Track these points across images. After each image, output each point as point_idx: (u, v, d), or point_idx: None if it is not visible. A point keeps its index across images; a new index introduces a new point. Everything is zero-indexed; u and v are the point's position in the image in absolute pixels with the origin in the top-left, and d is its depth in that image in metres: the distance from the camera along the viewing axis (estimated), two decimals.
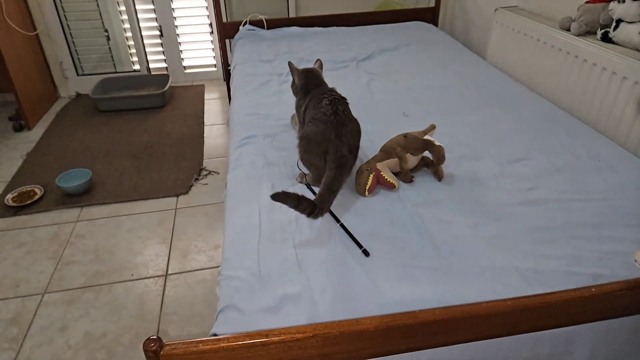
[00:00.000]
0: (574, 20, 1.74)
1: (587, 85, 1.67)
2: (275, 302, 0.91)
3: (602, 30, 1.62)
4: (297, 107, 1.48)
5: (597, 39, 1.65)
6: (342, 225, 1.13)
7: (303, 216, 1.14)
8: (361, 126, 1.32)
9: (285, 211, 1.19)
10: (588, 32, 1.72)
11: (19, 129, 2.80)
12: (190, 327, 1.50)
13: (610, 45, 1.60)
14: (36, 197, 2.12)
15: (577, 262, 1.02)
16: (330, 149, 1.21)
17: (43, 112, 3.04)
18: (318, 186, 1.24)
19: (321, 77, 1.48)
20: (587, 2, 1.71)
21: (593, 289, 0.89)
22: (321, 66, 1.54)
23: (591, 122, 1.65)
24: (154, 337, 0.72)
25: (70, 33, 3.20)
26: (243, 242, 1.09)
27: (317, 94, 1.37)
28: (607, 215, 1.17)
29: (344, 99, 1.33)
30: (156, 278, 1.69)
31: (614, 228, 1.12)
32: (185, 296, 1.61)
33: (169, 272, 1.72)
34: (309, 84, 1.44)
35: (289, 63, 1.50)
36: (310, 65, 1.56)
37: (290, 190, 1.26)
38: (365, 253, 1.04)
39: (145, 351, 0.71)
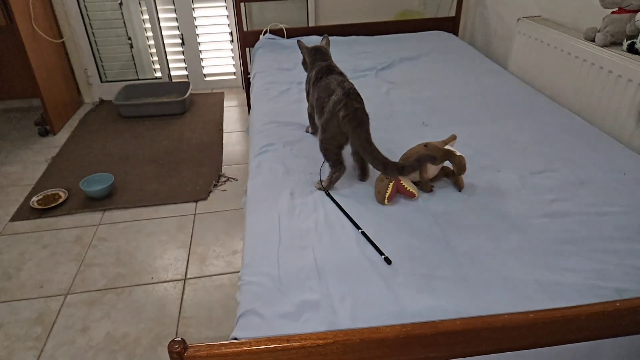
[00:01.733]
0: (599, 31, 1.72)
1: (612, 97, 1.64)
2: (295, 308, 0.92)
3: (629, 41, 1.60)
4: (307, 82, 1.58)
5: (623, 50, 1.62)
6: (363, 233, 1.14)
7: (322, 223, 1.16)
8: (380, 135, 1.33)
9: (305, 218, 1.21)
10: (613, 43, 1.69)
11: (44, 133, 2.88)
12: (208, 331, 1.51)
13: (637, 56, 1.57)
14: (60, 200, 2.17)
15: (601, 276, 1.00)
16: (341, 107, 1.28)
17: (67, 118, 3.12)
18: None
19: (328, 54, 1.57)
20: (612, 13, 1.68)
21: (617, 304, 0.87)
22: (328, 43, 1.63)
23: (615, 134, 1.63)
24: (178, 339, 0.73)
25: (95, 41, 3.28)
26: (263, 248, 1.10)
27: (322, 71, 1.46)
28: (631, 228, 1.15)
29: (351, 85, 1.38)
30: (175, 282, 1.72)
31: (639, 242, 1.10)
32: (204, 300, 1.63)
33: (188, 277, 1.74)
34: (316, 61, 1.54)
35: (298, 41, 1.62)
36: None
37: (310, 198, 1.29)
38: (387, 261, 1.04)
39: (170, 352, 0.72)
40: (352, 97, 1.30)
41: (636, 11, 1.59)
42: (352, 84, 1.37)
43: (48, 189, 2.26)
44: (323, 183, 1.34)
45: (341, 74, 1.46)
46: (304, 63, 1.62)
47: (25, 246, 1.92)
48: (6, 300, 1.66)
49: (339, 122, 1.28)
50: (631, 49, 1.60)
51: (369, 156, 1.26)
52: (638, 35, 1.57)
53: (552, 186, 1.33)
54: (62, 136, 2.87)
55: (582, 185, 1.33)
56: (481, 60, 2.39)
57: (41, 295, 1.68)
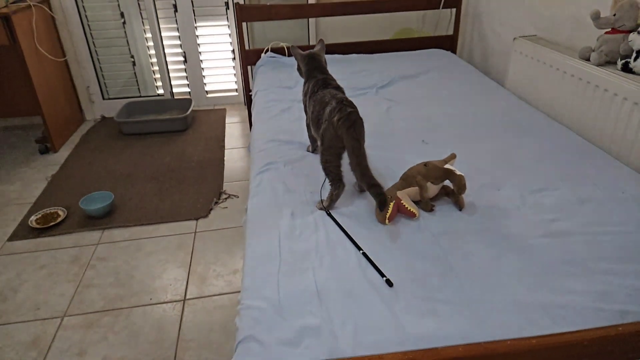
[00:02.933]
0: (593, 50, 1.74)
1: (609, 114, 1.65)
2: (295, 334, 0.91)
3: (623, 61, 1.62)
4: (303, 94, 1.60)
5: (618, 69, 1.64)
6: (364, 254, 1.13)
7: (323, 243, 1.17)
8: (380, 153, 1.33)
9: (305, 239, 1.20)
10: (608, 62, 1.71)
11: (44, 151, 2.88)
12: (208, 354, 1.49)
13: (631, 75, 1.59)
14: (59, 219, 2.16)
15: (604, 297, 0.99)
16: (335, 111, 1.31)
17: (69, 135, 3.13)
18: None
19: (322, 63, 1.60)
20: (606, 33, 1.71)
21: (620, 328, 0.87)
22: (323, 48, 1.65)
23: (613, 152, 1.63)
24: None
25: (98, 59, 3.32)
26: (263, 271, 1.10)
27: (318, 85, 1.49)
28: (632, 248, 1.14)
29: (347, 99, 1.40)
30: (174, 303, 1.70)
31: None
32: (203, 322, 1.61)
33: (187, 297, 1.73)
34: (312, 70, 1.56)
35: (292, 47, 1.64)
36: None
37: (310, 218, 1.28)
38: (389, 283, 1.04)
39: None
40: (346, 104, 1.33)
41: (629, 31, 1.61)
42: (345, 96, 1.40)
43: (47, 208, 2.25)
44: (324, 203, 1.33)
45: (337, 87, 1.49)
46: (298, 69, 1.64)
47: (23, 266, 1.91)
48: (1, 324, 1.64)
49: (335, 127, 1.30)
50: (625, 68, 1.62)
51: (355, 159, 1.26)
52: (631, 55, 1.59)
53: (552, 205, 1.32)
54: (63, 154, 2.87)
55: (582, 204, 1.32)
56: (479, 78, 2.41)
57: (37, 317, 1.66)
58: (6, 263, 1.93)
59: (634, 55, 1.57)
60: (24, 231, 2.12)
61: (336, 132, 1.30)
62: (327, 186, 1.37)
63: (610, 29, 1.69)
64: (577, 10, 1.96)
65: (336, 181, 1.35)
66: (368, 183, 1.25)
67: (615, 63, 1.68)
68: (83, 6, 3.13)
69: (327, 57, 2.73)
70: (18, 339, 1.57)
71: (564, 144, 1.67)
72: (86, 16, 3.16)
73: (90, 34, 3.22)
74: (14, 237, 2.09)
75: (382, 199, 1.22)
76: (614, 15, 1.64)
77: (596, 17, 1.68)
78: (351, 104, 1.34)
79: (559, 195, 1.37)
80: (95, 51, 3.28)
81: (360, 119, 1.31)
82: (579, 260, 1.11)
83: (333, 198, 1.34)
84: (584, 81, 1.76)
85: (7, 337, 1.58)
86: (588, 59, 1.76)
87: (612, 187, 1.40)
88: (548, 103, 2.00)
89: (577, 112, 1.82)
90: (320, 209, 1.33)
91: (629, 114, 1.56)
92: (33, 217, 2.18)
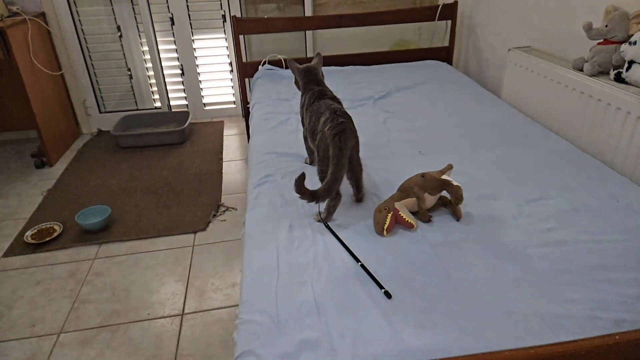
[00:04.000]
0: (586, 61, 1.76)
1: (602, 124, 1.67)
2: (294, 348, 0.90)
3: (615, 71, 1.64)
4: (301, 107, 1.62)
5: (611, 79, 1.66)
6: (363, 266, 1.13)
7: (321, 256, 1.16)
8: (377, 165, 1.34)
9: (304, 251, 1.20)
10: (601, 73, 1.73)
11: (40, 165, 2.88)
12: None
13: (624, 85, 1.61)
14: (55, 234, 2.15)
15: (600, 306, 0.99)
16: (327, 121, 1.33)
17: (65, 149, 3.13)
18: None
19: (320, 74, 1.62)
20: (598, 44, 1.73)
21: (617, 337, 0.87)
22: (320, 61, 1.67)
23: (607, 160, 1.65)
24: None
25: (95, 72, 3.33)
26: (261, 284, 1.09)
27: (315, 96, 1.50)
28: (627, 257, 1.14)
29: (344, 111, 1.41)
30: (172, 317, 1.69)
31: (636, 271, 1.09)
32: (202, 336, 1.60)
33: (186, 312, 1.71)
34: (308, 83, 1.58)
35: (289, 60, 1.67)
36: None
37: (308, 230, 1.28)
38: (387, 295, 1.03)
39: None
40: (339, 114, 1.34)
41: (620, 42, 1.63)
42: (340, 106, 1.41)
43: (43, 223, 2.24)
44: (321, 214, 1.34)
45: (333, 98, 1.50)
46: (296, 82, 1.66)
47: (18, 283, 1.89)
48: None
49: (326, 137, 1.31)
50: (618, 78, 1.64)
51: (333, 167, 1.28)
52: (624, 65, 1.61)
53: (548, 214, 1.33)
54: (59, 168, 2.87)
55: (577, 213, 1.33)
56: (475, 88, 2.43)
57: (33, 334, 1.64)
58: (1, 279, 1.92)
59: (626, 65, 1.59)
60: (19, 247, 2.11)
61: (327, 141, 1.31)
62: None
63: (602, 40, 1.72)
64: (570, 21, 1.99)
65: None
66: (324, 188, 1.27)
67: (608, 73, 1.70)
68: (79, 20, 3.15)
69: (325, 69, 2.75)
70: (13, 357, 1.55)
71: (558, 153, 1.68)
72: (82, 30, 3.18)
73: (87, 47, 3.24)
74: (9, 253, 2.08)
75: (308, 199, 1.26)
76: (606, 26, 1.67)
77: (588, 28, 1.71)
78: (344, 115, 1.36)
79: (554, 205, 1.37)
80: (92, 64, 3.29)
81: (352, 128, 1.33)
82: (575, 269, 1.11)
83: (330, 210, 1.34)
84: (578, 91, 1.78)
85: (2, 355, 1.56)
86: (581, 70, 1.79)
87: (607, 195, 1.40)
88: (543, 113, 2.02)
89: (571, 122, 1.84)
90: (318, 221, 1.33)
91: (622, 123, 1.57)
92: (28, 233, 2.17)
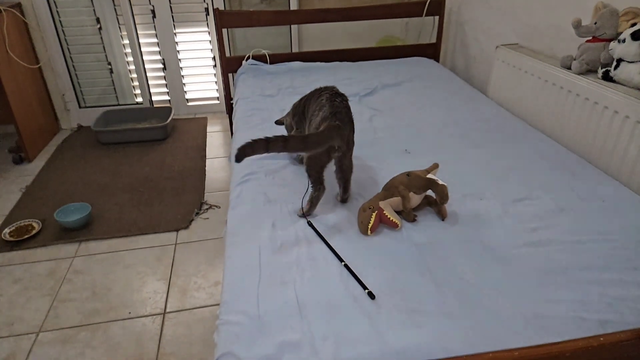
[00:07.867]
0: (574, 59, 1.76)
1: (589, 123, 1.67)
2: (275, 349, 0.89)
3: (603, 69, 1.64)
4: (298, 101, 1.63)
5: (598, 78, 1.66)
6: (346, 266, 1.11)
7: (304, 255, 1.15)
8: (363, 163, 1.32)
9: (286, 251, 1.18)
10: (589, 71, 1.73)
11: (18, 161, 2.81)
12: None
13: (612, 84, 1.60)
14: (34, 232, 2.10)
15: (585, 307, 0.99)
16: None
17: (44, 145, 3.06)
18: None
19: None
20: (587, 41, 1.73)
21: (601, 339, 0.87)
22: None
23: (593, 160, 1.65)
24: None
25: (74, 66, 3.24)
26: (242, 284, 1.07)
27: (322, 89, 1.50)
28: (612, 257, 1.14)
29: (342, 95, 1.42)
30: (154, 316, 1.66)
31: (620, 271, 1.10)
32: (184, 335, 1.57)
33: (167, 310, 1.68)
34: (297, 107, 1.60)
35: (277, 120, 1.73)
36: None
37: (291, 229, 1.26)
38: (371, 295, 1.02)
39: None
40: (338, 117, 1.31)
41: (609, 40, 1.63)
42: (345, 103, 1.39)
43: (21, 220, 2.18)
44: (304, 207, 1.32)
45: (339, 94, 1.46)
46: (287, 126, 1.68)
47: None
48: None
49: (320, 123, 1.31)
50: (606, 77, 1.63)
51: (310, 131, 1.31)
52: (612, 63, 1.61)
53: (534, 214, 1.33)
54: (38, 164, 2.80)
55: (562, 213, 1.33)
56: (462, 86, 2.42)
57: (11, 333, 1.60)
58: None
59: (615, 63, 1.58)
60: None
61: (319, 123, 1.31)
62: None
63: (591, 38, 1.71)
64: (558, 18, 1.98)
65: (317, 183, 1.33)
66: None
67: (596, 71, 1.69)
68: (57, 11, 3.05)
69: (310, 64, 2.75)
70: None
71: (544, 152, 1.68)
72: (60, 21, 3.09)
73: (65, 40, 3.15)
74: None
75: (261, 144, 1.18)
76: (595, 23, 1.66)
77: (577, 25, 1.69)
78: (342, 118, 1.32)
79: (540, 204, 1.37)
80: (71, 58, 3.21)
81: (341, 129, 1.30)
82: (559, 269, 1.11)
83: (313, 202, 1.32)
84: (565, 90, 1.78)
85: None
86: (569, 68, 1.78)
87: (593, 195, 1.41)
88: (529, 111, 2.02)
89: (558, 120, 1.84)
90: (301, 216, 1.31)
91: (609, 122, 1.58)
92: (7, 230, 2.11)
